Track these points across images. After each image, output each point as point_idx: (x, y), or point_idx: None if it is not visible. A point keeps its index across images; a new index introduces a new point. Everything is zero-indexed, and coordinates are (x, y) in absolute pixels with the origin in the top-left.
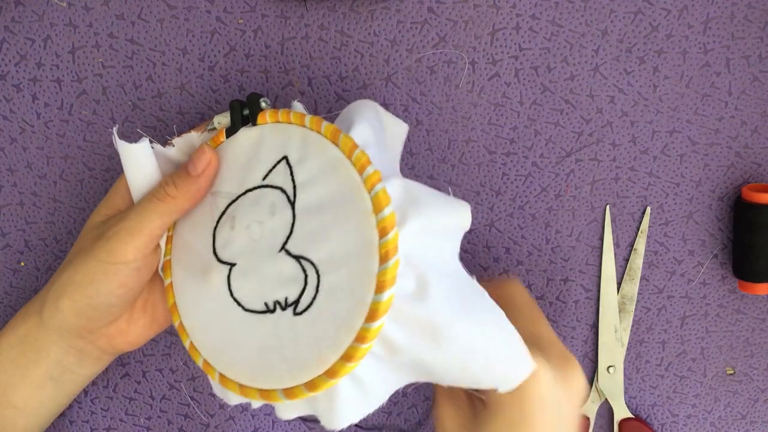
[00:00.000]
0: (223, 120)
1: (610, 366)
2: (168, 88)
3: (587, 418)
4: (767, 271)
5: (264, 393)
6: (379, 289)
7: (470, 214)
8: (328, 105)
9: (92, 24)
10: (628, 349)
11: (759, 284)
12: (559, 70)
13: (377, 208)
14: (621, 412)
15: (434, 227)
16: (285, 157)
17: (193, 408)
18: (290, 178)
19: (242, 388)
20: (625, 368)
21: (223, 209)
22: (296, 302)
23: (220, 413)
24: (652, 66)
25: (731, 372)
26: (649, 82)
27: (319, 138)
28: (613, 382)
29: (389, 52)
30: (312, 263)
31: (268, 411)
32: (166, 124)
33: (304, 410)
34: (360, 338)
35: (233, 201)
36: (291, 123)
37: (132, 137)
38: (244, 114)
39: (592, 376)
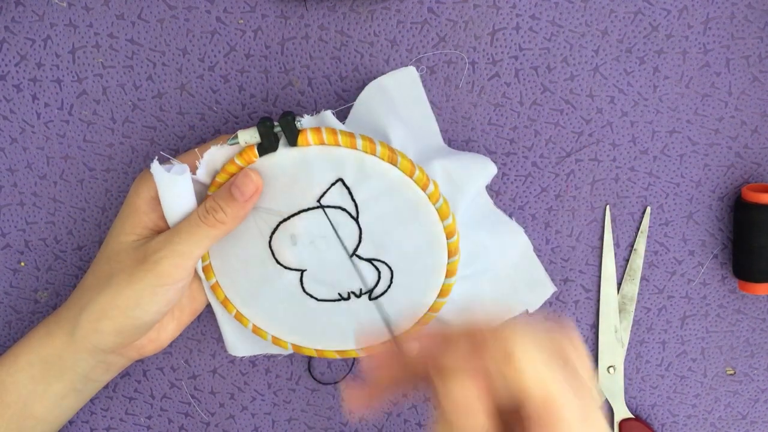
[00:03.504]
0: (249, 138)
1: (610, 366)
2: (168, 88)
3: None
4: (767, 271)
5: (341, 352)
6: (449, 274)
7: (495, 166)
8: (328, 105)
9: (92, 24)
10: (628, 349)
11: (759, 284)
12: (559, 70)
13: (443, 217)
14: (621, 412)
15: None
16: (340, 180)
17: (194, 407)
18: (350, 198)
19: (319, 352)
20: (625, 368)
21: (274, 226)
22: (370, 291)
23: (221, 412)
24: (652, 66)
25: (731, 372)
26: (649, 82)
27: (376, 161)
28: (613, 382)
29: (389, 52)
30: (385, 263)
31: (268, 410)
32: (166, 124)
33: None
34: (433, 309)
35: (285, 219)
36: (339, 146)
37: (133, 137)
38: (275, 131)
39: None
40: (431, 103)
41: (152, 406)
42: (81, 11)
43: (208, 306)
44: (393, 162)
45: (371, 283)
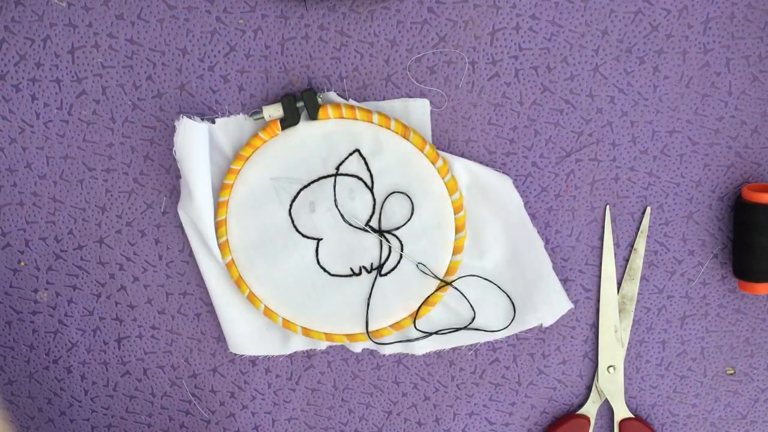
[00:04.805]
0: (273, 113)
1: (610, 366)
2: (168, 88)
3: (587, 418)
4: (767, 271)
5: (351, 336)
6: (456, 251)
7: (513, 188)
8: None
9: (92, 24)
10: (628, 349)
11: (759, 284)
12: (559, 70)
13: (451, 192)
14: (621, 412)
15: (492, 197)
16: (357, 150)
17: (194, 405)
18: (366, 167)
19: (328, 335)
20: (625, 368)
21: (294, 194)
22: (380, 266)
23: (221, 410)
24: (652, 66)
25: (731, 372)
26: (649, 82)
27: (390, 134)
28: (613, 382)
29: (389, 52)
30: (395, 236)
31: (268, 410)
32: (166, 124)
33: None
34: (441, 288)
35: (305, 187)
36: (357, 119)
37: (133, 137)
38: (297, 106)
39: (592, 376)
40: (431, 103)
41: (153, 404)
42: (80, 11)
43: (209, 306)
44: (406, 136)
45: (383, 256)
